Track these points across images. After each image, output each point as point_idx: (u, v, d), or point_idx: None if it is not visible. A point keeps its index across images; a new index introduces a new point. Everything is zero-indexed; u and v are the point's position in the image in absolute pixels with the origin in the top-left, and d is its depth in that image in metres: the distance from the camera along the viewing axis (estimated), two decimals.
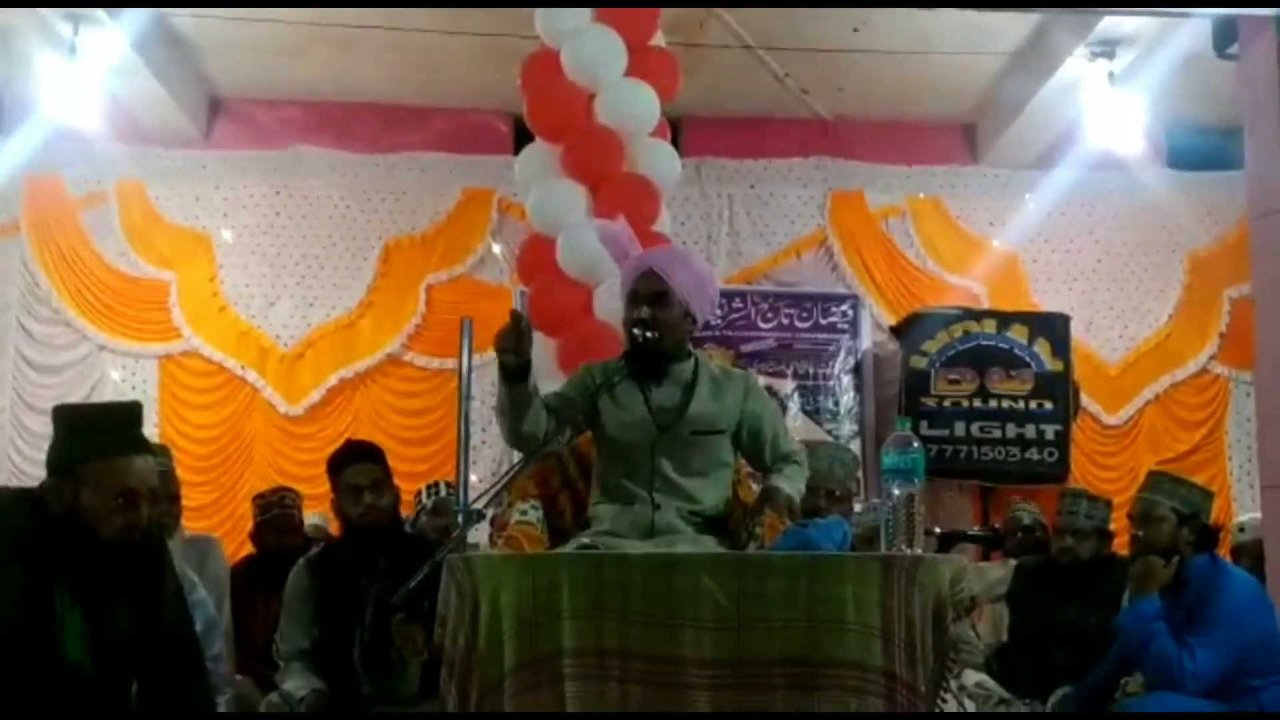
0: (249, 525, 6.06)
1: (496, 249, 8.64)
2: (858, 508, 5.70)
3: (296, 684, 4.09)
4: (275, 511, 5.82)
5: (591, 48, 6.18)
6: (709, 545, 3.35)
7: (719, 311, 7.48)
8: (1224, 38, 6.73)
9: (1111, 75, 7.60)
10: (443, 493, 6.02)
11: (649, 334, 3.44)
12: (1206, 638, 3.96)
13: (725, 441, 3.55)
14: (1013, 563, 5.58)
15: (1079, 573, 4.95)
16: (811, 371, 8.38)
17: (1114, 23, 7.21)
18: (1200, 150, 8.89)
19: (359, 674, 4.12)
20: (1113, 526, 5.15)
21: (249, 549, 6.02)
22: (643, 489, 3.43)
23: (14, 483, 7.19)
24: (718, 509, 3.50)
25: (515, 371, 3.19)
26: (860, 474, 7.97)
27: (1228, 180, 8.25)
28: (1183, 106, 8.16)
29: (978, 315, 8.31)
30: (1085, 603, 4.85)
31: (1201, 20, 6.74)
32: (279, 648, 4.30)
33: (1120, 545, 5.14)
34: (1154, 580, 4.10)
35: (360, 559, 4.23)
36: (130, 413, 3.24)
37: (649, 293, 3.47)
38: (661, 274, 3.46)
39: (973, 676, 4.89)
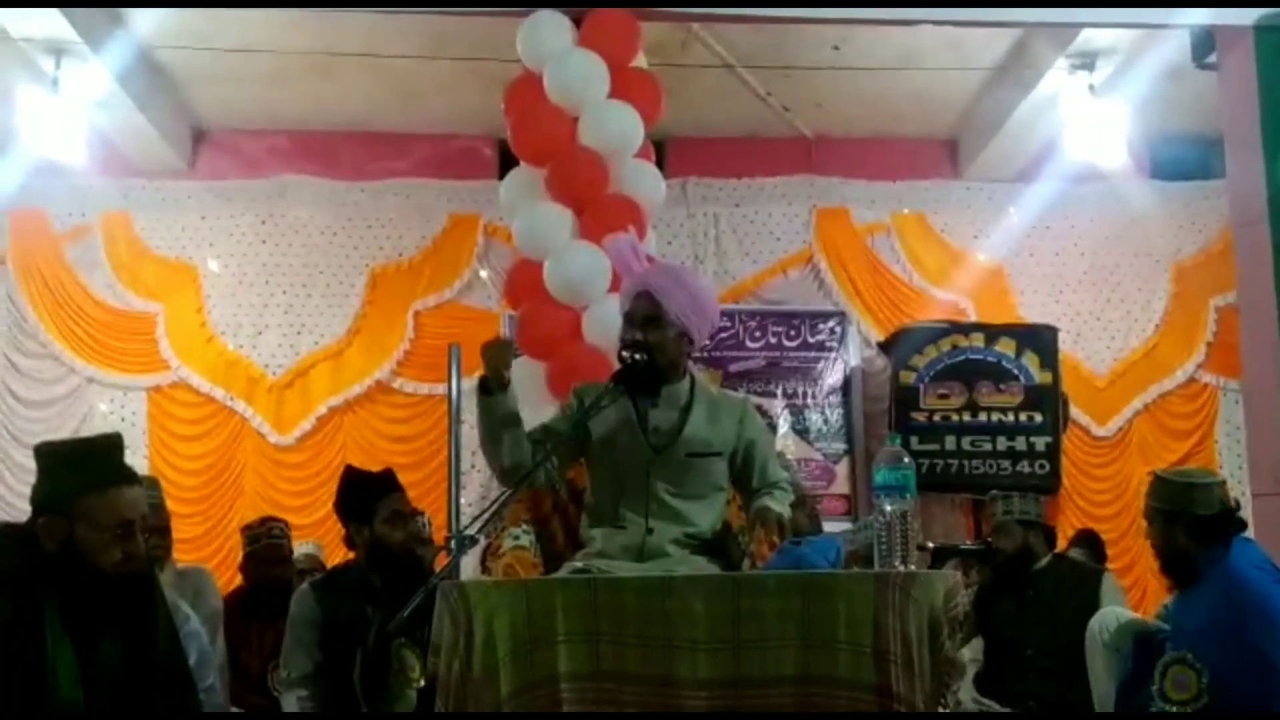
0: (240, 557, 6.03)
1: (484, 274, 8.64)
2: (847, 526, 5.68)
3: None
4: (264, 542, 5.79)
5: (574, 71, 6.18)
6: (701, 566, 3.34)
7: None
8: (1202, 48, 6.77)
9: (1092, 87, 7.61)
10: None
11: (637, 356, 3.42)
12: None
13: (721, 465, 3.52)
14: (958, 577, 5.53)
15: (1041, 590, 4.89)
16: (800, 389, 8.37)
17: (1093, 35, 7.22)
18: (1182, 160, 8.92)
19: (358, 696, 4.13)
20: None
21: (240, 580, 5.99)
22: (638, 512, 3.40)
23: (2, 518, 7.15)
24: (713, 532, 3.48)
25: (495, 383, 3.31)
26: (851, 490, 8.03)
27: (1211, 190, 8.31)
28: (1164, 117, 8.17)
29: (965, 329, 8.31)
30: (1052, 619, 4.78)
31: (1180, 31, 6.78)
32: (282, 673, 4.34)
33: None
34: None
35: (368, 585, 4.26)
36: (113, 444, 3.24)
37: (643, 315, 3.45)
38: (656, 295, 3.43)
39: (970, 692, 4.87)
